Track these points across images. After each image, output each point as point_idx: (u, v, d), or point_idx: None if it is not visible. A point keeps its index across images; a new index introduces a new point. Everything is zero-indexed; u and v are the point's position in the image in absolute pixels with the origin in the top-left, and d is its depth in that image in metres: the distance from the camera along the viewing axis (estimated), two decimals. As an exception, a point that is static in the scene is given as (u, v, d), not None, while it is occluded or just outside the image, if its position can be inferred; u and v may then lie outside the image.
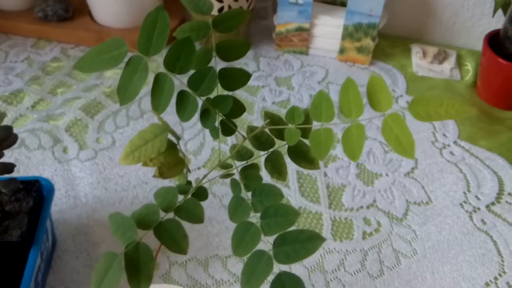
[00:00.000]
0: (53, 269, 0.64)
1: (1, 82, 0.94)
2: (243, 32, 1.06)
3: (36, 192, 0.59)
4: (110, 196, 0.74)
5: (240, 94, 0.96)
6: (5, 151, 0.51)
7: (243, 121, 0.90)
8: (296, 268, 0.67)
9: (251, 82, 0.98)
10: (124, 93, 0.32)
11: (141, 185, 0.76)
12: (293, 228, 0.62)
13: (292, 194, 0.77)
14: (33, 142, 0.82)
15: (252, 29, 1.13)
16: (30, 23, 1.05)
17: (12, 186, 0.52)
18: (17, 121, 0.86)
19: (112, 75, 0.98)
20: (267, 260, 0.30)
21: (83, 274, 0.64)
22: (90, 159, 0.80)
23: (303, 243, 0.30)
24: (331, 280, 0.66)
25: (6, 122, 0.86)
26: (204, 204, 0.75)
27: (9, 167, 0.52)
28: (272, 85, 0.98)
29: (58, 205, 0.72)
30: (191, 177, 0.79)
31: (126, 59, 0.34)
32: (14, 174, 0.76)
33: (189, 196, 0.35)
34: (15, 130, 0.83)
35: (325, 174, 0.81)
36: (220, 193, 0.76)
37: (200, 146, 0.84)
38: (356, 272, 0.67)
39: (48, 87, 0.94)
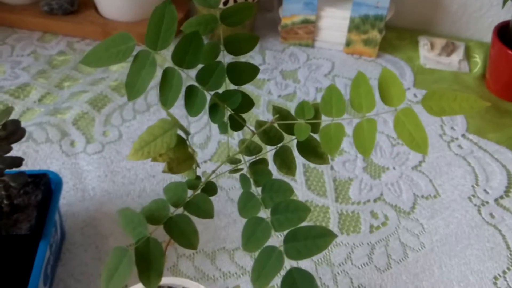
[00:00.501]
0: (62, 262, 0.65)
1: (8, 76, 0.94)
2: (248, 25, 1.05)
3: (45, 186, 0.59)
4: (117, 189, 0.74)
5: (246, 87, 0.95)
6: (13, 145, 0.51)
7: (249, 115, 0.89)
8: (303, 262, 0.67)
9: (257, 76, 0.98)
10: (132, 88, 0.31)
11: (149, 178, 0.76)
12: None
13: (299, 188, 0.77)
14: (40, 136, 0.82)
15: (258, 22, 1.12)
16: (35, 17, 1.04)
17: (20, 180, 0.52)
18: (24, 115, 0.86)
19: (118, 69, 0.97)
20: (278, 256, 0.30)
21: (91, 266, 0.64)
22: (98, 153, 0.80)
23: (314, 239, 0.30)
24: (338, 273, 0.66)
25: (13, 116, 0.86)
26: (211, 197, 0.76)
27: (18, 161, 0.52)
28: (278, 78, 0.98)
29: (66, 198, 0.72)
30: (198, 171, 0.79)
31: (133, 54, 0.34)
32: (22, 168, 0.76)
33: (199, 191, 0.35)
34: (22, 124, 0.83)
35: (332, 168, 0.80)
36: (227, 187, 0.76)
37: (207, 139, 0.84)
38: (363, 266, 0.67)
39: (55, 80, 0.94)
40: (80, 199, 0.73)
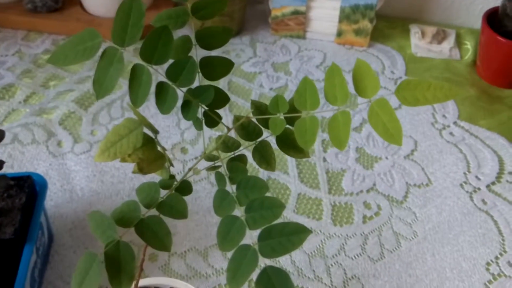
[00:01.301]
0: (51, 264, 0.64)
1: (-7, 77, 0.93)
2: (238, 17, 1.04)
3: (29, 188, 0.59)
4: (106, 189, 0.74)
5: (236, 80, 0.94)
6: (-5, 148, 0.50)
7: (240, 109, 0.89)
8: (297, 254, 0.66)
9: (248, 69, 0.97)
10: (100, 86, 0.31)
11: (138, 177, 0.76)
12: (293, 214, 0.61)
13: (291, 181, 0.76)
14: (26, 137, 0.81)
15: (248, 14, 1.11)
16: (19, 15, 1.03)
17: (2, 183, 0.52)
18: (10, 116, 0.85)
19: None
20: (252, 254, 0.29)
21: (81, 268, 0.64)
22: (85, 152, 0.79)
23: (289, 236, 0.29)
24: (331, 265, 0.65)
25: (-1, 117, 0.85)
26: (202, 194, 0.75)
27: (-1, 164, 0.51)
28: (269, 71, 0.97)
29: (54, 200, 0.72)
30: (189, 167, 0.78)
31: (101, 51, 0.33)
32: (8, 170, 0.76)
33: (173, 191, 0.34)
34: (7, 125, 0.82)
35: (324, 160, 0.80)
36: (217, 182, 0.75)
37: (197, 135, 0.83)
38: (356, 256, 0.66)
39: (40, 80, 0.93)
40: (68, 200, 0.72)
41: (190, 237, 0.68)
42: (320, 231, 0.70)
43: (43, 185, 0.61)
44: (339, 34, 1.02)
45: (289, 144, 0.36)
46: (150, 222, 0.31)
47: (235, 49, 1.02)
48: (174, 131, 0.83)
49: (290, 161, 0.79)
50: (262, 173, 0.77)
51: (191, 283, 0.64)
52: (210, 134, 0.83)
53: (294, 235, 0.29)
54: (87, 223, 0.69)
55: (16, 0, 1.06)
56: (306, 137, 0.30)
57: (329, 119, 0.30)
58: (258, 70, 0.97)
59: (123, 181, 0.75)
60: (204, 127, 0.38)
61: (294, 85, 0.94)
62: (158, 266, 0.65)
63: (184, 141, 0.82)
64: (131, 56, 0.91)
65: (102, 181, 0.75)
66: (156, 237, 0.31)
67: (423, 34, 1.05)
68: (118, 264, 0.29)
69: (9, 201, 0.57)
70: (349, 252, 0.67)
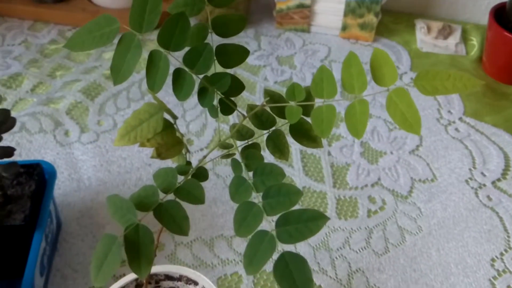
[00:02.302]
0: (59, 252, 0.64)
1: None
2: (243, 9, 1.04)
3: (38, 176, 0.59)
4: (113, 178, 0.74)
5: (241, 73, 0.94)
6: (6, 136, 0.50)
7: (245, 101, 0.89)
8: (301, 247, 0.67)
9: (252, 62, 0.97)
10: (118, 72, 0.31)
11: (145, 167, 0.76)
12: (297, 207, 0.62)
13: (296, 174, 0.76)
14: (34, 126, 0.81)
15: (253, 7, 1.11)
16: (26, 5, 1.03)
17: (12, 170, 0.52)
18: (17, 105, 0.85)
19: (111, 57, 0.96)
20: (270, 240, 0.29)
21: (89, 256, 0.64)
22: (92, 142, 0.79)
23: (306, 222, 0.30)
24: (336, 258, 0.66)
25: (5, 106, 0.85)
26: (208, 185, 0.75)
27: (9, 151, 0.51)
28: (273, 64, 0.97)
29: (62, 188, 0.72)
30: (194, 159, 0.79)
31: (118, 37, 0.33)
32: (16, 158, 0.76)
33: (189, 177, 0.35)
34: (15, 114, 0.82)
35: (329, 153, 0.80)
36: (224, 174, 0.76)
37: (203, 127, 0.83)
38: (361, 250, 0.67)
39: (47, 70, 0.93)
40: (75, 189, 0.72)
41: (196, 227, 0.68)
42: (325, 224, 0.70)
43: (52, 173, 0.61)
44: (344, 28, 1.02)
45: (302, 133, 0.36)
46: (169, 207, 0.32)
47: (240, 42, 1.02)
48: (179, 122, 0.84)
49: (295, 154, 0.79)
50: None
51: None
52: (215, 126, 0.83)
53: (311, 221, 0.29)
54: (94, 212, 0.69)
55: (22, -11, 1.06)
56: (323, 126, 0.30)
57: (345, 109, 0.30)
58: (262, 64, 0.97)
59: (129, 171, 0.75)
60: (209, 118, 0.38)
61: (299, 78, 0.94)
62: (164, 256, 0.65)
63: (190, 132, 0.82)
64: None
65: (109, 171, 0.75)
66: (174, 221, 0.31)
67: (428, 29, 1.05)
68: (138, 247, 0.29)
69: (18, 188, 0.57)
70: (353, 245, 0.67)
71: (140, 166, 0.76)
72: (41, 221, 0.56)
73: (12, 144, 0.78)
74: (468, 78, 0.28)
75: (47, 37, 1.01)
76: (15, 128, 0.80)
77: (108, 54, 0.98)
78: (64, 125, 0.82)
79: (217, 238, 0.67)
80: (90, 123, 0.82)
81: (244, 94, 0.90)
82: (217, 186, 0.74)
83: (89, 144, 0.79)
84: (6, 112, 0.50)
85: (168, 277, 0.47)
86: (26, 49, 0.97)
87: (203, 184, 0.35)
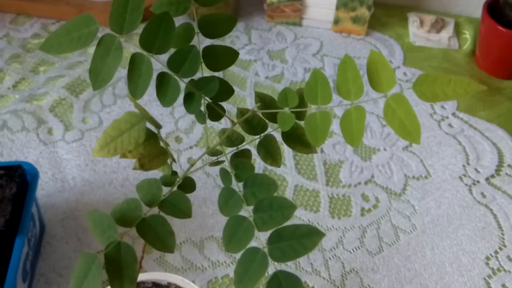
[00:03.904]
0: (43, 256, 0.62)
1: (-20, 61, 0.90)
2: (232, 3, 1.01)
3: (19, 178, 0.56)
4: (99, 178, 0.72)
5: (231, 69, 0.92)
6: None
7: (235, 98, 0.87)
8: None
9: (243, 56, 0.95)
10: (97, 76, 0.29)
11: (131, 166, 0.74)
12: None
13: (288, 172, 0.75)
14: (16, 124, 0.78)
15: (243, 0, 1.08)
16: (8, -2, 0.99)
17: (-9, 173, 0.49)
18: (-1, 102, 0.83)
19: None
20: (262, 257, 0.28)
21: (73, 259, 0.62)
22: (77, 140, 0.77)
23: (300, 238, 0.28)
24: (329, 258, 0.64)
25: (-13, 103, 0.82)
26: (198, 184, 0.73)
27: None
28: (264, 59, 0.95)
29: (45, 189, 0.70)
30: (183, 157, 0.77)
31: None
32: (-3, 159, 0.73)
33: (175, 188, 0.33)
34: (-5, 112, 0.79)
35: (322, 151, 0.78)
36: (214, 173, 0.74)
37: (192, 124, 0.81)
38: (355, 250, 0.65)
39: (30, 65, 0.90)
40: (59, 189, 0.70)
41: (186, 228, 0.67)
42: (318, 223, 0.69)
43: (34, 174, 0.59)
44: (336, 21, 1.00)
45: (295, 138, 0.34)
46: (153, 222, 0.30)
47: (230, 36, 0.99)
48: (168, 119, 0.81)
49: (287, 152, 0.78)
50: (259, 164, 0.75)
51: (187, 276, 0.63)
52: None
53: (306, 237, 0.28)
54: (79, 213, 0.67)
55: (3, -19, 1.03)
56: (317, 133, 0.28)
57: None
58: (253, 58, 0.95)
59: (116, 170, 0.73)
60: (190, 117, 0.36)
61: (290, 73, 0.92)
62: (153, 259, 0.63)
63: (178, 130, 0.80)
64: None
65: (95, 170, 0.73)
66: (158, 237, 0.29)
67: (421, 23, 1.03)
68: (119, 266, 0.28)
69: (-2, 191, 0.55)
70: (347, 245, 0.66)
71: (126, 165, 0.74)
72: (22, 226, 0.54)
73: (-6, 143, 0.75)
74: (469, 83, 0.26)
75: (30, 31, 0.97)
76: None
77: (93, 49, 0.95)
78: (47, 123, 0.79)
79: (207, 240, 0.66)
80: (74, 120, 0.80)
81: (235, 89, 0.88)
82: (207, 186, 0.72)
83: (73, 142, 0.76)
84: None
85: (156, 285, 0.45)
86: (7, 44, 0.94)
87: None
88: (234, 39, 0.99)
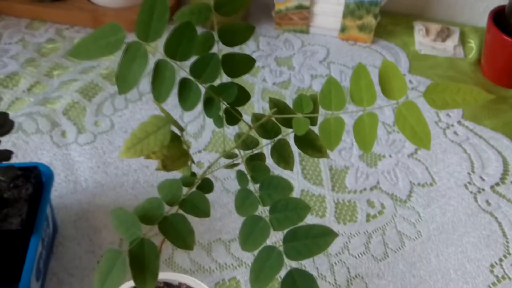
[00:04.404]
0: (55, 256, 0.64)
1: (-5, 65, 0.92)
2: (242, 11, 1.03)
3: (35, 179, 0.58)
4: (110, 180, 0.73)
5: (240, 74, 0.93)
6: (2, 137, 0.49)
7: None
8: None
9: (253, 67, 0.96)
10: (124, 82, 0.30)
11: (142, 169, 0.75)
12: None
13: (294, 177, 0.76)
14: (30, 126, 0.80)
15: (252, 8, 1.10)
16: (23, 3, 1.01)
17: (9, 173, 0.51)
18: (14, 105, 0.84)
19: (109, 57, 0.95)
20: (277, 256, 0.29)
21: (85, 259, 0.64)
22: (89, 143, 0.78)
23: (315, 238, 0.29)
24: (335, 263, 0.65)
25: (2, 106, 0.84)
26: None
27: (6, 155, 0.50)
28: (272, 65, 0.96)
29: (58, 190, 0.71)
30: (191, 161, 0.78)
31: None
32: (12, 159, 0.75)
33: (194, 188, 0.34)
34: (11, 114, 0.81)
35: (328, 156, 0.79)
36: (222, 177, 0.75)
37: (201, 128, 0.82)
38: (360, 255, 0.67)
39: (44, 69, 0.92)
40: (72, 191, 0.71)
41: (194, 231, 0.68)
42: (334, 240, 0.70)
43: (49, 176, 0.60)
44: (343, 29, 1.02)
45: (308, 143, 0.36)
46: (174, 220, 0.31)
47: (240, 43, 1.01)
48: (178, 124, 0.83)
49: (294, 157, 0.79)
50: (267, 169, 0.76)
51: (195, 278, 0.64)
52: (213, 127, 0.83)
53: (320, 237, 0.29)
54: (91, 215, 0.68)
55: (19, -13, 1.05)
56: (331, 138, 0.29)
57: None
58: (261, 64, 0.96)
59: (127, 173, 0.74)
60: (207, 119, 0.37)
61: (297, 80, 0.94)
62: (162, 260, 0.65)
63: (188, 134, 0.82)
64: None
65: (106, 173, 0.74)
66: (179, 235, 0.31)
67: (427, 31, 1.05)
68: (143, 262, 0.29)
69: (15, 191, 0.56)
70: (352, 250, 0.67)
71: (137, 168, 0.75)
72: (38, 225, 0.56)
73: (8, 145, 0.77)
74: (478, 92, 0.27)
75: (44, 36, 0.99)
76: (10, 131, 0.79)
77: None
78: (61, 125, 0.81)
79: (215, 242, 0.67)
80: (87, 123, 0.82)
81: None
82: (215, 189, 0.73)
83: (86, 145, 0.78)
84: (5, 115, 0.50)
85: (168, 285, 0.47)
86: (23, 48, 0.96)
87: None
88: (243, 45, 1.00)
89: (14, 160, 0.75)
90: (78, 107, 0.84)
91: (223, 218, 0.70)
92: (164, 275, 0.47)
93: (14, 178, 0.57)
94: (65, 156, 0.76)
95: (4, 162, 0.51)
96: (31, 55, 0.94)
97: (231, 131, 0.83)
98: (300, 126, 0.31)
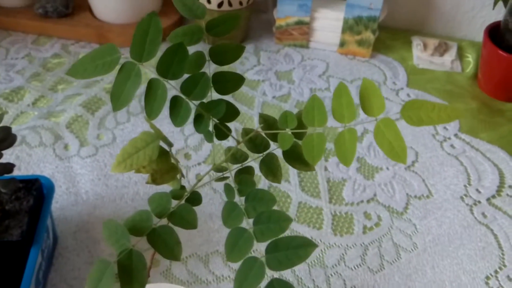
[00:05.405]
0: (55, 267, 0.65)
1: (2, 79, 0.94)
2: (243, 26, 1.05)
3: (36, 191, 0.59)
4: (111, 192, 0.75)
5: (240, 88, 0.95)
6: (6, 150, 0.51)
7: (243, 116, 0.90)
8: (296, 264, 0.67)
9: (252, 76, 0.98)
10: (117, 99, 0.32)
11: (142, 181, 0.77)
12: (293, 223, 0.62)
13: (292, 189, 0.77)
14: (34, 140, 0.82)
15: (252, 23, 1.13)
16: (30, 20, 1.04)
17: (11, 186, 0.53)
18: (18, 118, 0.87)
19: (113, 72, 0.97)
20: (259, 266, 0.30)
21: (84, 271, 0.65)
22: (91, 156, 0.80)
23: (295, 249, 0.30)
24: (331, 275, 0.66)
25: (7, 119, 0.86)
26: (204, 200, 0.76)
27: (9, 168, 0.52)
28: (272, 79, 0.98)
29: (59, 202, 0.73)
30: (192, 173, 0.79)
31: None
32: (15, 172, 0.76)
33: (183, 201, 0.35)
34: (15, 128, 0.83)
35: (326, 169, 0.81)
36: (221, 189, 0.77)
37: (201, 141, 0.84)
38: (356, 267, 0.67)
39: (49, 83, 0.94)
40: (73, 203, 0.73)
41: (192, 243, 0.69)
42: (320, 240, 0.70)
43: (51, 188, 0.62)
44: (342, 44, 1.04)
45: (295, 157, 0.37)
46: (162, 232, 0.32)
47: (240, 58, 1.03)
48: (178, 136, 0.85)
49: (292, 169, 0.80)
50: (264, 181, 0.78)
51: (193, 289, 0.65)
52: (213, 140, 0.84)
53: (300, 248, 0.30)
54: (91, 226, 0.70)
55: (27, 5, 1.08)
56: (313, 152, 0.31)
57: (332, 131, 0.31)
58: (261, 78, 0.98)
59: (127, 185, 0.76)
60: (199, 135, 0.39)
61: (297, 93, 0.95)
62: (160, 272, 0.65)
63: (188, 147, 0.83)
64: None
65: (107, 185, 0.76)
66: (167, 246, 0.32)
67: (425, 46, 1.06)
68: (130, 272, 0.30)
69: (17, 203, 0.58)
70: (349, 262, 0.68)
71: (137, 180, 0.77)
72: (38, 237, 0.57)
73: (12, 158, 0.79)
74: (452, 109, 0.29)
75: (50, 51, 1.02)
76: (13, 144, 0.81)
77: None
78: (63, 138, 0.83)
79: (212, 254, 0.68)
80: (89, 137, 0.83)
81: (243, 108, 0.91)
82: (213, 201, 0.75)
83: (88, 158, 0.80)
84: (7, 129, 0.51)
85: (163, 295, 0.48)
86: (29, 63, 0.99)
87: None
88: (244, 60, 1.02)
89: (17, 173, 0.77)
90: (81, 121, 0.86)
91: (221, 230, 0.71)
92: (159, 286, 0.48)
93: (16, 190, 0.59)
94: (67, 169, 0.78)
95: (6, 175, 0.53)
96: (36, 69, 0.97)
97: (229, 143, 0.84)
98: (285, 142, 0.33)
